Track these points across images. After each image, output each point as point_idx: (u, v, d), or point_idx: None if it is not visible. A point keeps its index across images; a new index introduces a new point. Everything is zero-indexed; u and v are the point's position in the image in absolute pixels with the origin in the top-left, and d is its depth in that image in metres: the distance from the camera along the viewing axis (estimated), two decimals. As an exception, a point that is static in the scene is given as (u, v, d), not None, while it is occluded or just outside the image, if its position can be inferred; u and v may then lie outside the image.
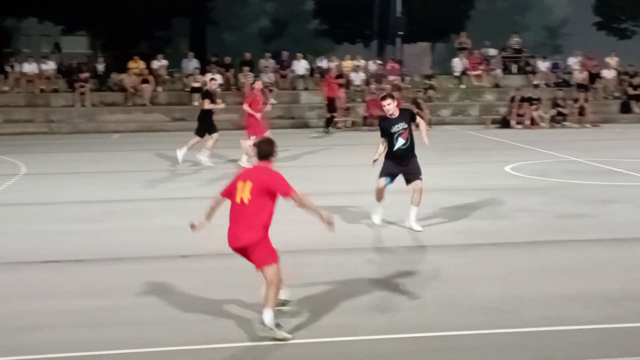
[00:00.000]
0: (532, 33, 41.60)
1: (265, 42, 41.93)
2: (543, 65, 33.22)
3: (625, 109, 31.04)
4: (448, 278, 8.03)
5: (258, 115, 17.59)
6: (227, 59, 32.19)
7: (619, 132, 25.65)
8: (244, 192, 6.62)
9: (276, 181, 6.65)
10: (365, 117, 28.54)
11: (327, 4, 38.28)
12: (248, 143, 16.53)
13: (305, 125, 29.23)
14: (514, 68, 34.12)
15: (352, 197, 13.13)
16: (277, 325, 6.36)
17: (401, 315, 6.88)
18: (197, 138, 17.99)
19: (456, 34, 36.26)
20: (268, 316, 6.34)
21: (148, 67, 30.83)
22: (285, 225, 10.64)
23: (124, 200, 13.17)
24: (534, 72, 33.03)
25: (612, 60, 33.04)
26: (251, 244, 6.56)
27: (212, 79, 20.33)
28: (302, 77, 31.94)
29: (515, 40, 35.00)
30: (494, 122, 29.00)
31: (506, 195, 13.14)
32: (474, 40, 34.46)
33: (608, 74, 32.21)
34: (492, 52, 34.09)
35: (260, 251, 6.57)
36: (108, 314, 7.03)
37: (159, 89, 30.75)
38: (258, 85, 18.95)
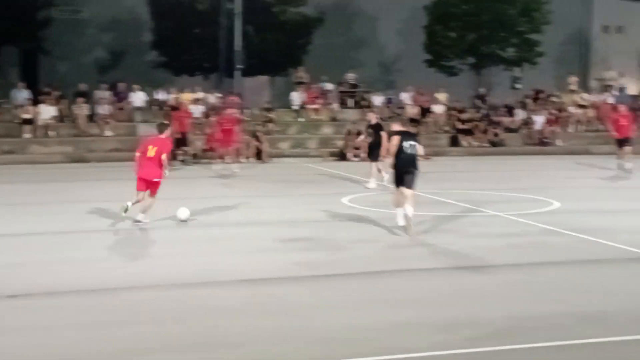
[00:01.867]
0: (367, 68, 42.89)
1: (101, 73, 40.89)
2: (377, 99, 34.38)
3: (454, 142, 32.59)
4: (286, 310, 8.07)
5: None
6: (60, 90, 31.16)
7: (448, 165, 26.84)
8: (152, 152, 13.15)
9: (167, 146, 13.53)
10: (205, 150, 28.41)
11: (165, 36, 37.95)
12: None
13: (144, 158, 28.66)
14: (350, 102, 35.11)
15: (194, 230, 12.99)
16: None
17: (240, 350, 6.84)
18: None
19: (294, 69, 36.87)
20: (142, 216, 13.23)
21: (-26, 97, 29.36)
22: (132, 261, 10.42)
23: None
24: (369, 107, 34.10)
25: (442, 96, 34.68)
26: (156, 179, 13.19)
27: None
28: (139, 108, 31.43)
29: (351, 76, 36.05)
30: (331, 154, 29.65)
31: (344, 226, 13.44)
32: (312, 74, 35.17)
33: (438, 109, 33.77)
34: (329, 86, 34.94)
35: (157, 185, 13.29)
36: None
37: (-14, 120, 29.34)
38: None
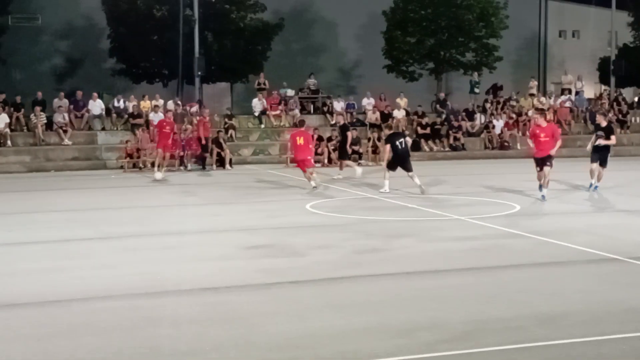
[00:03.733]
0: (327, 74, 42.94)
1: (58, 81, 40.41)
2: (338, 105, 34.41)
3: (415, 147, 32.68)
4: (245, 318, 7.97)
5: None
6: (18, 98, 30.70)
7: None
8: (300, 140, 20.33)
9: (312, 136, 22.14)
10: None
11: (123, 43, 37.57)
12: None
13: (104, 167, 28.42)
14: (312, 108, 35.12)
15: (151, 238, 12.84)
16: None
17: (197, 358, 6.74)
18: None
19: (255, 75, 36.78)
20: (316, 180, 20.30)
21: None
22: (83, 271, 10.24)
23: None
24: (330, 112, 34.14)
25: (402, 101, 34.83)
26: (308, 160, 20.35)
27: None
28: (98, 116, 31.10)
29: (311, 82, 36.07)
30: (293, 161, 29.54)
31: (306, 232, 13.37)
32: (272, 81, 35.11)
33: (398, 114, 33.88)
34: (290, 92, 34.91)
35: (310, 161, 20.41)
36: None
37: (-60, 130, 28.81)
38: None
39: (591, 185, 19.17)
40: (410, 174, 18.69)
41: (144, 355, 6.85)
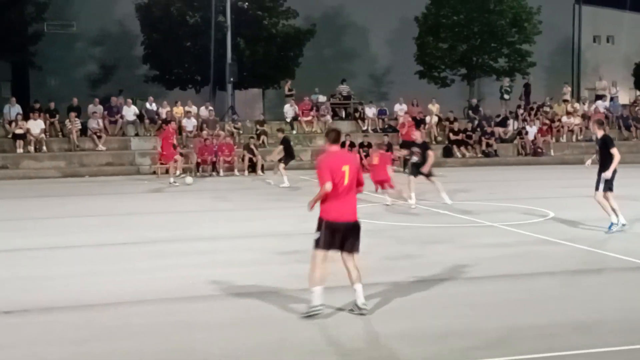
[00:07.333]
0: (359, 80, 42.98)
1: (92, 87, 40.89)
2: (370, 111, 34.39)
3: (448, 153, 32.60)
4: (279, 323, 8.00)
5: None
6: (51, 105, 31.09)
7: (441, 175, 26.79)
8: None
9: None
10: (198, 163, 28.36)
11: (156, 49, 37.91)
12: None
13: (137, 172, 28.66)
14: (343, 114, 35.14)
15: (183, 244, 12.93)
16: None
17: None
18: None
19: (286, 81, 36.90)
20: None
21: (-35, 113, 29.32)
22: (118, 275, 10.34)
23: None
24: (362, 118, 34.12)
25: (434, 107, 34.72)
26: None
27: None
28: (132, 122, 31.39)
29: (343, 87, 36.09)
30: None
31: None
32: (304, 87, 35.19)
33: (431, 119, 33.78)
34: (322, 98, 34.96)
35: None
36: None
37: (-22, 135, 29.29)
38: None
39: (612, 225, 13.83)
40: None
41: (179, 359, 6.90)
